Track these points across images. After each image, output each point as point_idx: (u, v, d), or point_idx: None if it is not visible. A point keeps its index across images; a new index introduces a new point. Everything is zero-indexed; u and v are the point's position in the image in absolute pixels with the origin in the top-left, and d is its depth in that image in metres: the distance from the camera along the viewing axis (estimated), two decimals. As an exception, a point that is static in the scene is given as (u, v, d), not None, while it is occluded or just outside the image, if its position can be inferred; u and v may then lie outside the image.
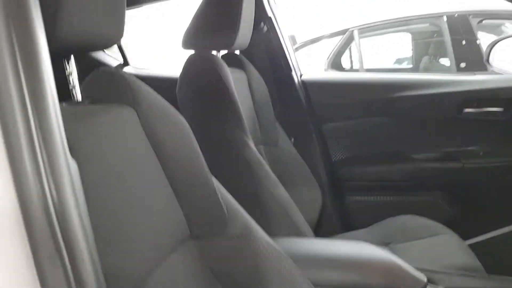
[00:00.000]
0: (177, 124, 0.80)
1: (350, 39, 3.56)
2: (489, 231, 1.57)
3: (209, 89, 1.19)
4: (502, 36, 1.85)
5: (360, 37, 3.58)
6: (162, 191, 0.75)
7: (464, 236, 1.48)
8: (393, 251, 1.30)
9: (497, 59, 1.63)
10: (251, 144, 1.18)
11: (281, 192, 1.19)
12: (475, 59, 3.23)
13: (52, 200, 0.42)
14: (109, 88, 0.74)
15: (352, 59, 3.63)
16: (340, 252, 0.98)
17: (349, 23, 3.66)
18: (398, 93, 1.63)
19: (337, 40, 3.61)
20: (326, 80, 1.80)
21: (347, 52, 3.62)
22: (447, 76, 1.66)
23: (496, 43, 1.65)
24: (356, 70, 3.59)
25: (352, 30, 3.53)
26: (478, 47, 3.27)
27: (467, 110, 1.58)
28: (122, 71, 0.75)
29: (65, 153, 0.44)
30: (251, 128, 1.32)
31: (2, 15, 0.40)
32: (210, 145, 0.96)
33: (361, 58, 3.59)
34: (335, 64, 3.57)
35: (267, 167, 1.19)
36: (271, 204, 1.14)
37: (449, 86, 1.60)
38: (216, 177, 0.84)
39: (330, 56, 3.55)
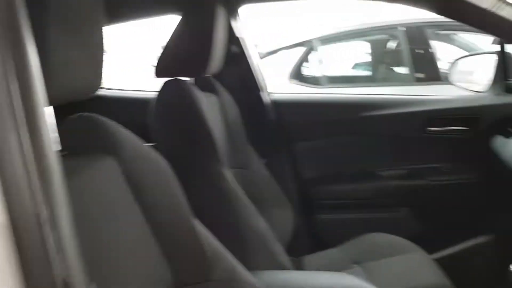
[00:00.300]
0: (159, 170, 0.77)
1: (311, 49, 3.60)
2: (454, 245, 1.63)
3: (183, 119, 1.17)
4: (464, 54, 1.92)
5: (321, 46, 3.62)
6: (145, 242, 0.73)
7: (431, 251, 1.53)
8: (365, 271, 1.33)
9: (458, 76, 1.69)
10: (227, 174, 1.17)
11: (260, 223, 1.18)
12: (430, 69, 3.35)
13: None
14: (88, 136, 0.71)
15: (313, 69, 3.67)
16: (321, 286, 0.98)
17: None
18: (366, 113, 1.67)
19: (296, 51, 3.63)
20: (296, 100, 1.82)
21: (309, 61, 3.66)
22: (413, 96, 1.71)
23: (458, 61, 1.72)
24: (317, 79, 3.62)
25: (312, 41, 3.58)
26: (433, 58, 3.39)
27: (431, 128, 1.63)
28: (101, 118, 0.72)
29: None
30: (224, 152, 1.30)
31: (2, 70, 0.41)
32: (185, 177, 0.94)
33: (322, 68, 3.65)
34: (297, 74, 3.59)
35: (244, 197, 1.18)
36: (250, 236, 1.13)
37: (414, 106, 1.65)
38: (193, 211, 0.82)
39: (293, 67, 3.57)
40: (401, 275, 1.30)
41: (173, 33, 1.22)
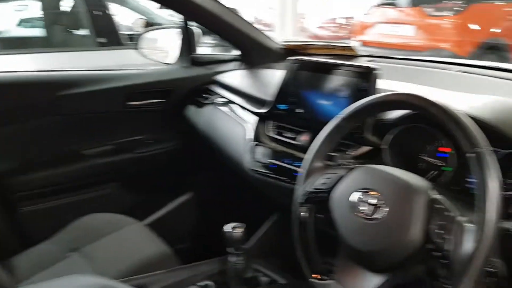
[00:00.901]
0: None
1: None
2: (163, 209, 1.76)
3: None
4: (152, 27, 2.00)
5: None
6: None
7: (144, 219, 1.62)
8: (83, 256, 1.29)
9: (146, 45, 1.76)
10: None
11: None
12: (111, 33, 3.34)
13: None
14: None
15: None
16: None
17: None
18: (63, 91, 1.54)
19: None
20: None
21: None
22: (111, 71, 1.67)
23: (146, 33, 1.79)
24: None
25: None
26: (112, 21, 3.38)
27: (132, 102, 1.66)
28: None
29: None
30: None
31: None
32: None
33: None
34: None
35: None
36: None
37: (113, 81, 1.62)
38: None
39: None
40: (122, 250, 1.32)
41: None
